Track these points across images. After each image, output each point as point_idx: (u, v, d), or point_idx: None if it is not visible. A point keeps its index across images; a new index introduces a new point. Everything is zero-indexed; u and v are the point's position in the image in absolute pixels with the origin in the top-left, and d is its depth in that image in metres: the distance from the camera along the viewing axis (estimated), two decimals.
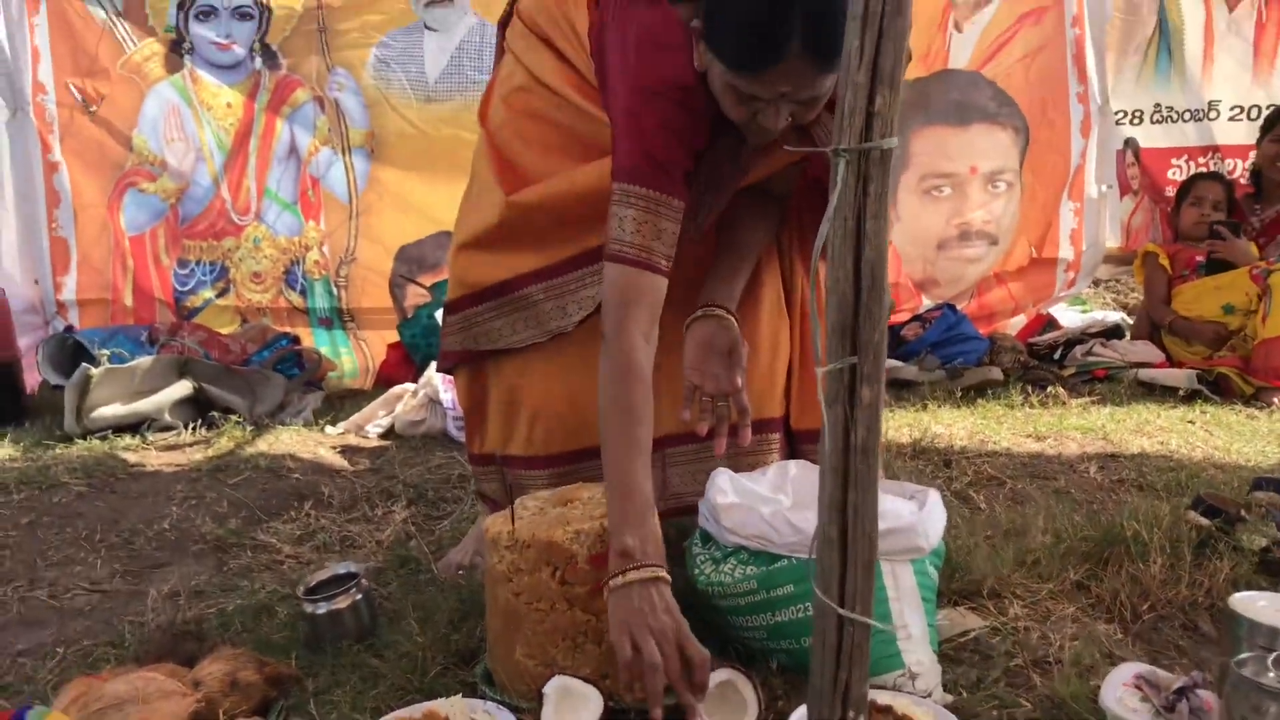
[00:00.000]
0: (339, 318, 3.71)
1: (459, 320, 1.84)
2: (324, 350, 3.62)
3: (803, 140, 1.57)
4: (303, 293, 3.70)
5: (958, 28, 3.63)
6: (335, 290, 3.70)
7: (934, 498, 1.47)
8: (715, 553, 1.48)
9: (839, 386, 0.97)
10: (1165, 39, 3.68)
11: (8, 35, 3.60)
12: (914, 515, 1.41)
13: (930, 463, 2.43)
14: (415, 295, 3.60)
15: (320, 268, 3.70)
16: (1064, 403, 2.90)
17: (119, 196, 3.70)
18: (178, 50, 3.65)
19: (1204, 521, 1.72)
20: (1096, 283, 4.07)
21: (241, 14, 3.64)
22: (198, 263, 3.71)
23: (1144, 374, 3.13)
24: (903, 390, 3.10)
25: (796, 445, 1.82)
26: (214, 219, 3.70)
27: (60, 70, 3.65)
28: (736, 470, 1.59)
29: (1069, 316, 3.81)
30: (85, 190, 3.68)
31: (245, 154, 3.67)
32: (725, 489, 1.51)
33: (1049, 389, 2.96)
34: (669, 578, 1.30)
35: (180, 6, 3.63)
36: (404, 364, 3.40)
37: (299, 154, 3.67)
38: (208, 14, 3.64)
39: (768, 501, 1.49)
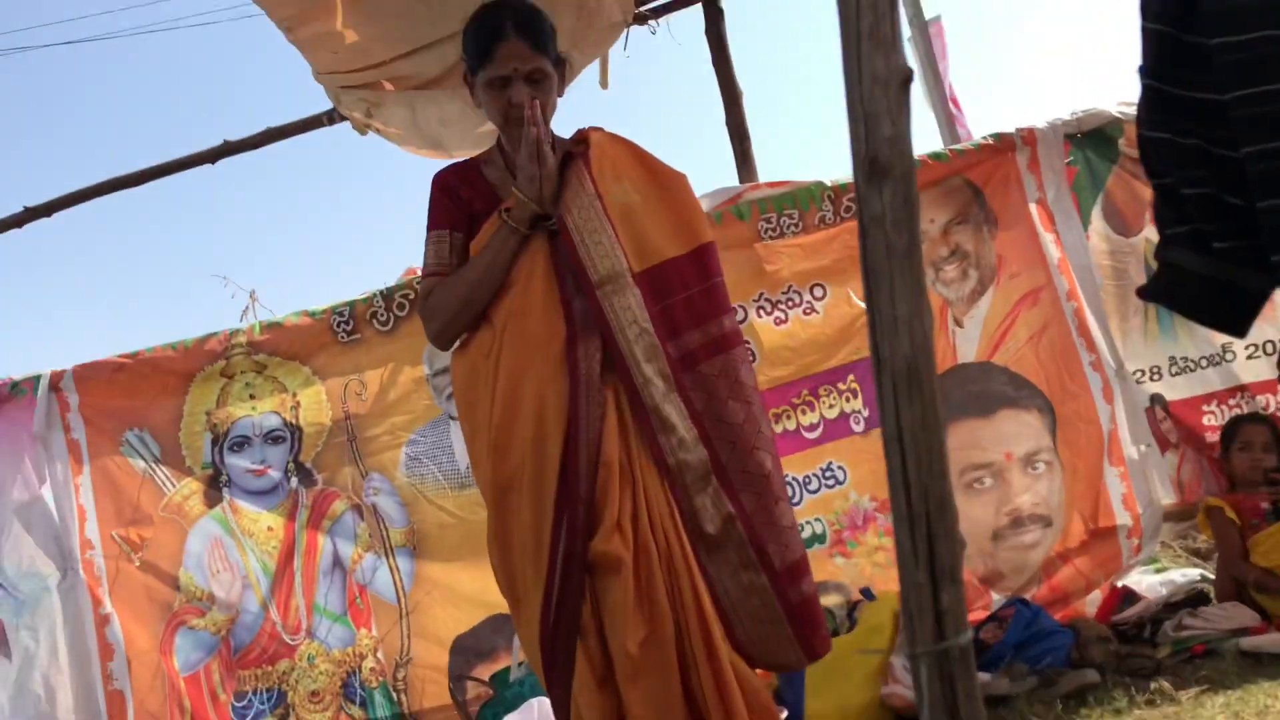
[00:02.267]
0: None
1: None
2: None
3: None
4: (362, 704, 3.60)
5: (959, 323, 3.72)
6: (394, 695, 3.61)
7: None
8: None
9: None
10: None
11: (55, 499, 3.72)
12: None
13: None
14: (475, 690, 3.50)
15: (376, 675, 3.62)
16: (1174, 699, 2.72)
17: (170, 637, 3.68)
18: (215, 484, 3.74)
19: None
20: (1163, 545, 3.95)
21: (274, 438, 3.76)
22: (254, 692, 3.64)
23: (1246, 643, 2.96)
24: (999, 708, 2.93)
25: None
26: (266, 643, 3.66)
27: (105, 523, 3.73)
28: None
29: (1147, 582, 3.67)
30: (137, 638, 3.67)
31: (291, 573, 3.69)
32: None
33: (1153, 685, 2.79)
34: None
35: (214, 443, 3.77)
36: None
37: (343, 564, 3.69)
38: (241, 445, 3.77)
39: None
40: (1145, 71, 1.35)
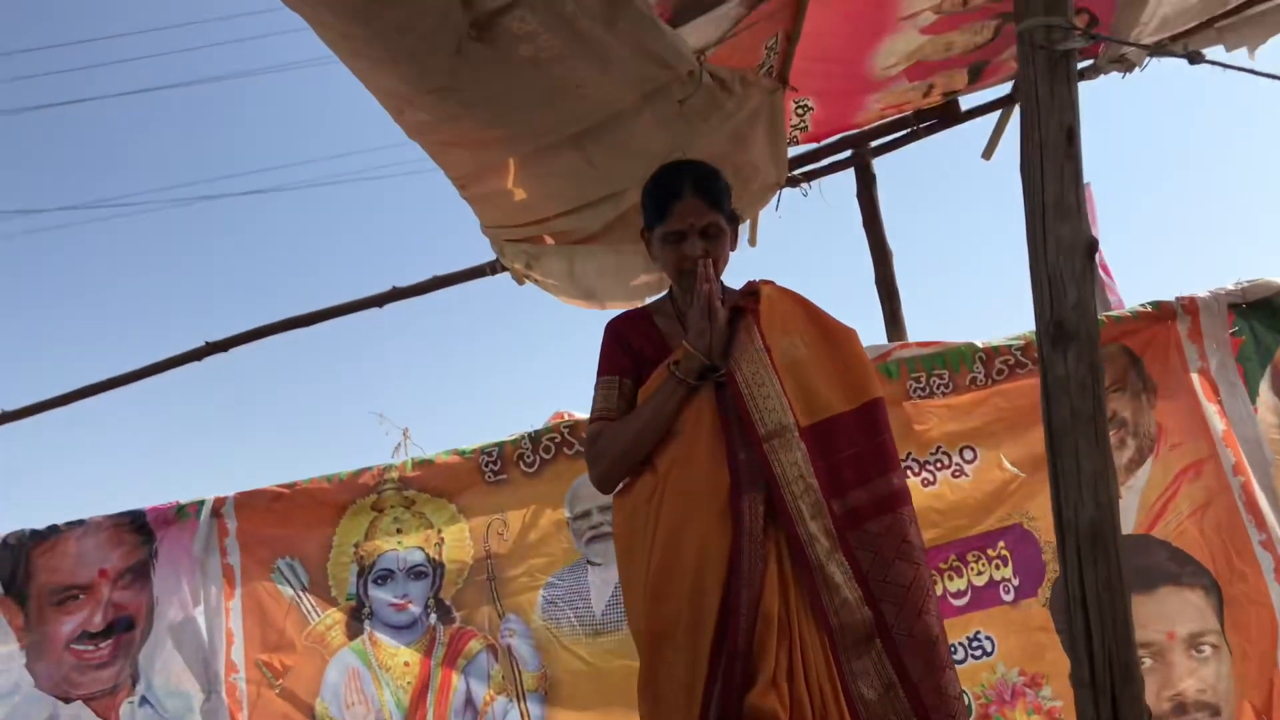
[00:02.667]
0: None
1: None
2: None
3: None
4: None
5: None
6: None
7: None
8: None
9: None
10: None
11: (206, 621, 3.85)
12: None
13: None
14: None
15: None
16: None
17: None
18: (358, 616, 3.82)
19: None
20: None
21: (417, 573, 3.84)
22: None
23: None
24: None
25: None
26: None
27: (251, 648, 3.84)
28: None
29: None
30: None
31: (423, 711, 3.70)
32: None
33: None
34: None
35: (360, 575, 3.86)
36: None
37: (475, 705, 3.68)
38: (385, 578, 3.85)
39: None
40: None
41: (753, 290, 2.30)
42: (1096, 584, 0.90)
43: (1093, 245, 1.04)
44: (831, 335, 2.25)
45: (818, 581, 2.01)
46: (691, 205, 2.24)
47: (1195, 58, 1.45)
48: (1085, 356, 0.98)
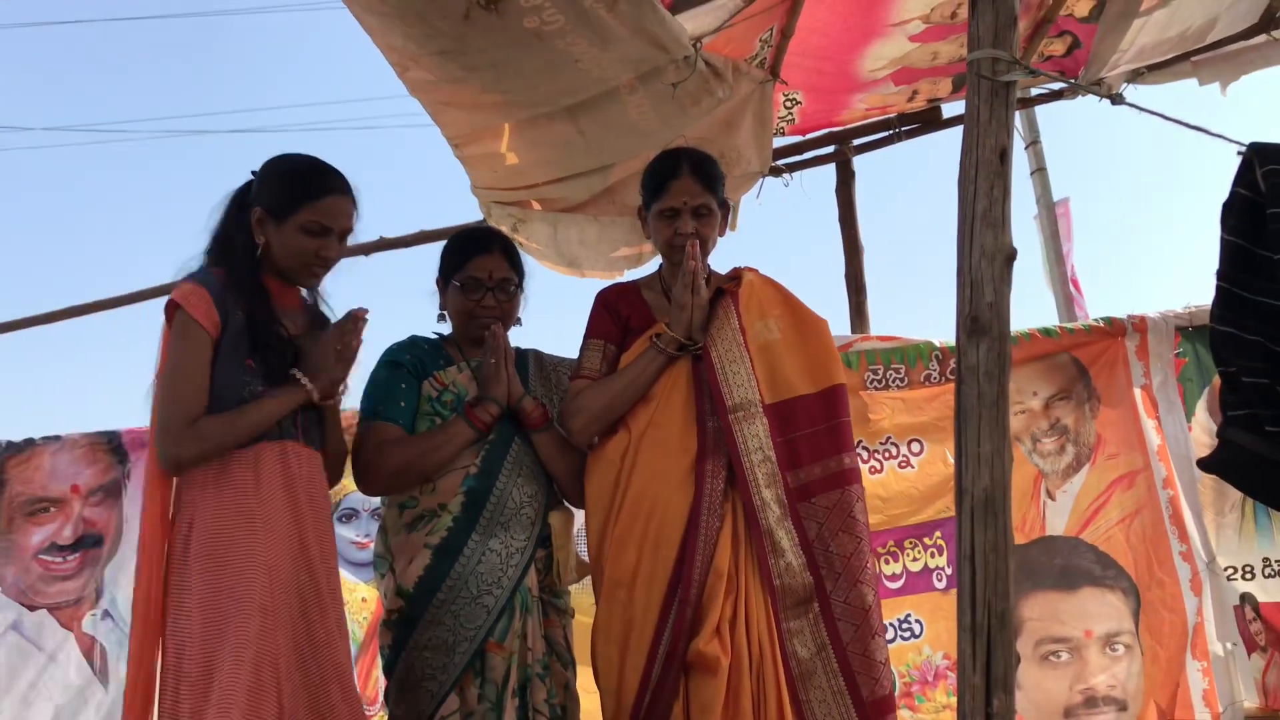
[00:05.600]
0: None
1: None
2: None
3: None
4: None
5: (1050, 496, 3.78)
6: None
7: None
8: None
9: None
10: None
11: None
12: None
13: None
14: None
15: None
16: None
17: None
18: None
19: None
20: None
21: (380, 514, 3.96)
22: None
23: None
24: None
25: None
26: None
27: None
28: None
29: None
30: None
31: (375, 647, 3.84)
32: None
33: None
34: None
35: None
36: None
37: None
38: (350, 516, 3.99)
39: None
40: (1220, 275, 1.54)
41: (736, 275, 2.48)
42: (985, 545, 1.05)
43: (1012, 255, 1.19)
44: (803, 323, 2.42)
45: (766, 545, 2.18)
46: (686, 185, 2.41)
47: (1117, 100, 1.60)
48: (995, 349, 1.13)
